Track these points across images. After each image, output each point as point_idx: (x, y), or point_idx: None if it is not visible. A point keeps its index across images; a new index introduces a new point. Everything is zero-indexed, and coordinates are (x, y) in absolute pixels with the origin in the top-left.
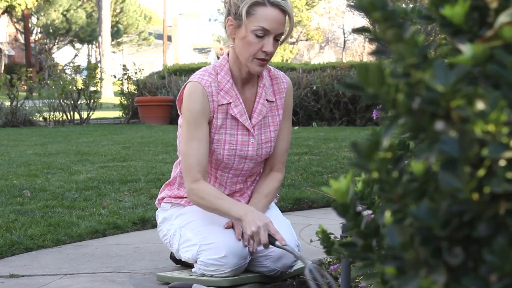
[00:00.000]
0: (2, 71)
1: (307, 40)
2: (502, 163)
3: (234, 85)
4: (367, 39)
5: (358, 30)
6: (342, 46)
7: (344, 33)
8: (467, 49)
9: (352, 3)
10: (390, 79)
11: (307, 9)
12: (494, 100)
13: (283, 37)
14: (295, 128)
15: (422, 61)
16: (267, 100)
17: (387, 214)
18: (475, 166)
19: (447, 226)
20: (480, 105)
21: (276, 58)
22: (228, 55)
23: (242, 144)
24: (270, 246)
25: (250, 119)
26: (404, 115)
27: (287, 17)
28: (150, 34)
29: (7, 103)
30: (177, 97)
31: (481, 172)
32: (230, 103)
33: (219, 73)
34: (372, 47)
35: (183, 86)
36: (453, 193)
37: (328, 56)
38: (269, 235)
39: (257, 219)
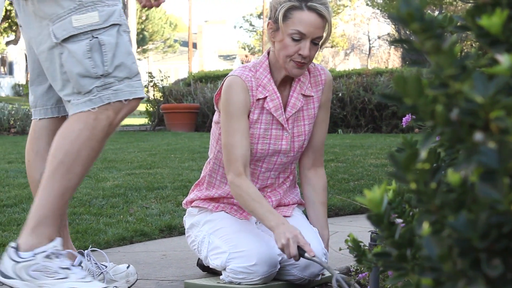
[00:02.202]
0: (28, 79)
1: (332, 47)
2: None
3: (272, 81)
4: (392, 46)
5: (397, 42)
6: (368, 52)
7: (369, 40)
8: (504, 59)
9: (390, 14)
10: (428, 90)
11: (332, 16)
12: None
13: (321, 41)
14: None
15: (460, 72)
16: (303, 94)
17: (425, 225)
18: None
19: (486, 238)
20: None
21: None
22: (268, 54)
23: (276, 138)
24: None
25: (284, 114)
26: (442, 126)
27: (326, 21)
28: (175, 41)
29: None
30: (215, 93)
31: None
32: (266, 97)
33: (258, 70)
34: (397, 54)
35: (222, 82)
36: (492, 205)
37: (353, 63)
38: (299, 247)
39: (287, 231)
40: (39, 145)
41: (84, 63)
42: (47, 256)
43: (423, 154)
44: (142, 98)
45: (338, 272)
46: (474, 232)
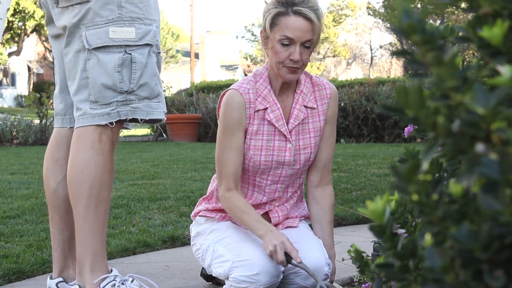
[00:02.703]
0: (31, 90)
1: (334, 56)
2: None
3: (272, 92)
4: (394, 56)
5: (398, 53)
6: (369, 62)
7: (371, 49)
8: (506, 70)
9: (391, 26)
10: (430, 101)
11: (334, 25)
12: None
13: (313, 43)
14: None
15: (462, 84)
16: (306, 106)
17: (427, 237)
18: None
19: (488, 249)
20: None
21: None
22: (268, 63)
23: (279, 149)
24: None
25: (287, 125)
26: (444, 138)
27: (313, 24)
28: (177, 51)
29: (37, 121)
30: (218, 105)
31: None
32: (267, 108)
33: (258, 81)
34: (399, 63)
35: (221, 94)
36: (494, 216)
37: (355, 72)
38: (286, 253)
39: (274, 238)
40: (59, 153)
41: (112, 75)
42: (114, 286)
43: (425, 165)
44: (160, 120)
45: (325, 279)
46: (476, 243)
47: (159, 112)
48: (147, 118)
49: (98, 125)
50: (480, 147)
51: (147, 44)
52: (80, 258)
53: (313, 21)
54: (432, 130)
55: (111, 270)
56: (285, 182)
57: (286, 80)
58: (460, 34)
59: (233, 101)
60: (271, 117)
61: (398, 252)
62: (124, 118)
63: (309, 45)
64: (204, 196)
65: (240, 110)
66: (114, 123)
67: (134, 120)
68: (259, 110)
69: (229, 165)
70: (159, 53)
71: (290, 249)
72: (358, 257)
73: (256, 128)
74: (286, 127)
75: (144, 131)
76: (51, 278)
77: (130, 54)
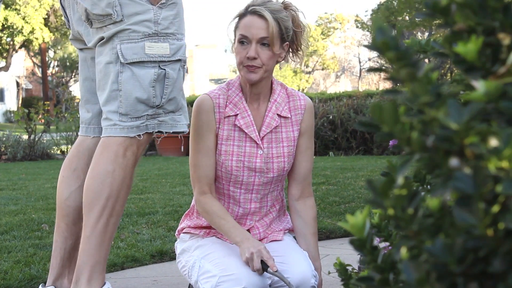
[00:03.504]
0: (19, 105)
1: (323, 69)
2: None
3: (244, 99)
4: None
5: (373, 70)
6: (358, 75)
7: (360, 62)
8: (480, 85)
9: (367, 43)
10: (404, 117)
11: (322, 38)
12: (507, 137)
13: (270, 41)
14: None
15: (435, 99)
16: (280, 115)
17: (403, 250)
18: (489, 202)
19: (463, 262)
20: (493, 142)
21: (292, 87)
22: None
23: (250, 155)
24: (287, 276)
25: (259, 132)
26: (418, 152)
27: (267, 20)
28: None
29: (25, 137)
30: None
31: (496, 208)
32: (237, 114)
33: (230, 89)
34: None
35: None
36: (468, 229)
37: (344, 85)
38: (263, 262)
39: (251, 246)
40: (79, 163)
41: (147, 90)
42: None
43: (400, 180)
44: (182, 132)
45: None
46: (451, 256)
47: (182, 124)
48: (171, 131)
49: (125, 138)
50: (454, 161)
51: (179, 60)
52: (81, 267)
53: (267, 19)
54: (407, 145)
55: (104, 283)
56: (259, 191)
57: (247, 81)
58: (437, 49)
59: (202, 104)
60: (241, 123)
61: (378, 266)
62: (151, 131)
63: (266, 43)
64: (186, 211)
65: (209, 114)
66: (141, 135)
67: (159, 133)
68: (229, 116)
69: (201, 168)
70: (185, 65)
71: (266, 257)
72: (342, 271)
73: (227, 133)
74: (257, 133)
75: None
76: (43, 285)
77: (164, 69)
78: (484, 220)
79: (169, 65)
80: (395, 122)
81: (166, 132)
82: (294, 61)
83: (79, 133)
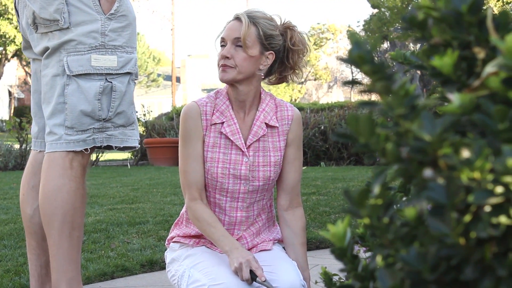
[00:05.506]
0: (11, 114)
1: (315, 79)
2: (487, 208)
3: (230, 107)
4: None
5: (348, 83)
6: (351, 85)
7: (352, 72)
8: (455, 98)
9: (343, 57)
10: (379, 129)
11: (315, 49)
12: (479, 148)
13: (242, 41)
14: (303, 168)
15: (410, 112)
16: (268, 124)
17: (379, 258)
18: (461, 212)
19: (436, 270)
20: (466, 153)
21: (284, 98)
22: None
23: (235, 163)
24: (267, 282)
25: (245, 140)
26: (393, 163)
27: (241, 22)
28: (159, 75)
29: (17, 146)
30: None
31: (468, 218)
32: (223, 122)
33: (218, 97)
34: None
35: None
36: (441, 238)
37: (336, 96)
38: (251, 271)
39: (240, 256)
40: (35, 179)
41: (92, 103)
42: None
43: (376, 190)
44: (133, 147)
45: None
46: (424, 264)
47: (133, 139)
48: (122, 146)
49: (69, 150)
50: (427, 172)
51: (127, 73)
52: (56, 285)
53: (242, 21)
54: (382, 156)
55: None
56: (245, 200)
57: (221, 81)
58: (415, 62)
59: (189, 111)
60: (227, 130)
61: (358, 274)
62: (99, 145)
63: (240, 44)
64: (176, 220)
65: (195, 120)
66: (89, 149)
67: (109, 147)
68: (216, 123)
69: (191, 174)
70: (136, 80)
71: (255, 267)
72: (327, 280)
73: (213, 141)
74: (243, 141)
75: (125, 155)
76: None
77: (111, 82)
78: (457, 229)
79: (116, 78)
80: (371, 133)
81: (116, 147)
82: (293, 80)
83: (32, 148)
